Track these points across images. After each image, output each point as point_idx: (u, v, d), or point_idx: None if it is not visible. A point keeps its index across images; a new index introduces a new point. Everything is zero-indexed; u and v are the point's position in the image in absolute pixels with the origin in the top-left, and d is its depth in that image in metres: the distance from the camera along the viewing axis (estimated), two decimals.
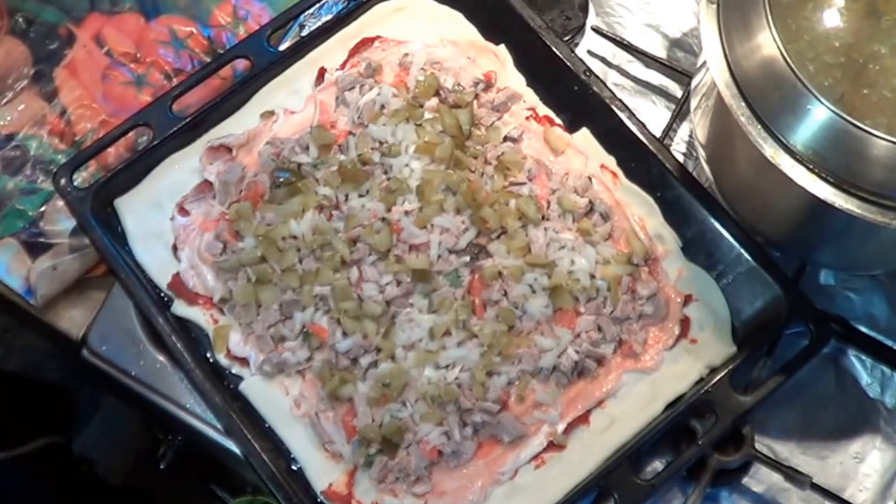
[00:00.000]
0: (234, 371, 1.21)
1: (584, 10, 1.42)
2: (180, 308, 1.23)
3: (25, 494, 1.43)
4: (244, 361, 1.21)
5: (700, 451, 1.13)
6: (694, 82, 1.25)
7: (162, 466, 1.39)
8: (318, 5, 1.35)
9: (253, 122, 1.30)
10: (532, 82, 1.32)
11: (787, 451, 1.22)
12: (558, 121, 1.31)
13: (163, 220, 1.26)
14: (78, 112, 1.37)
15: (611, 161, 1.28)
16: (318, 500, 1.15)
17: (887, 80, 1.00)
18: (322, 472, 1.16)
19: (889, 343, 1.24)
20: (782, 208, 1.16)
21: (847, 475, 1.21)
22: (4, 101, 1.37)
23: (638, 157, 1.26)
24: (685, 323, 1.21)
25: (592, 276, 1.22)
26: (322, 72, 1.32)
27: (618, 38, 1.40)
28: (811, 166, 1.00)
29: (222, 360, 1.21)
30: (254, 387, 1.19)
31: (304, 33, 1.37)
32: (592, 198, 1.25)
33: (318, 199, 1.25)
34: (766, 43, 1.01)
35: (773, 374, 1.15)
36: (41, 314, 1.29)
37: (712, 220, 1.21)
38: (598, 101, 1.27)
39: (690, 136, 1.35)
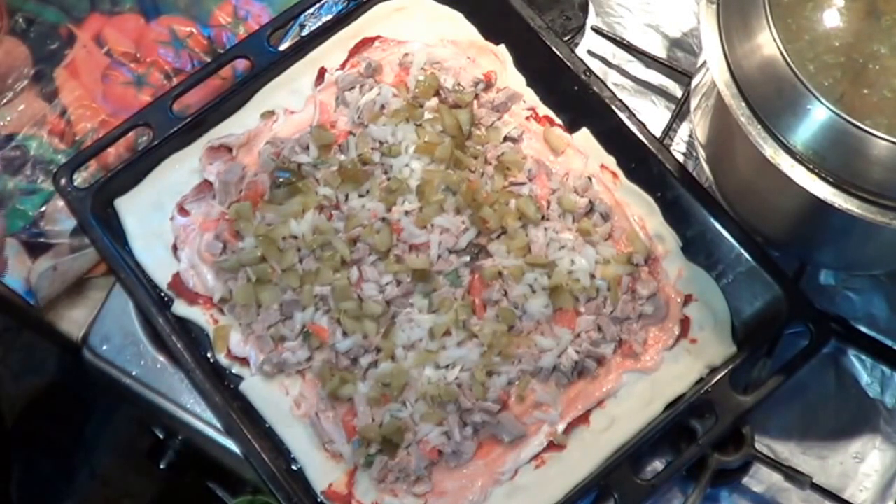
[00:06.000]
0: (234, 371, 1.21)
1: (584, 10, 1.42)
2: (180, 308, 1.23)
3: None
4: (244, 361, 1.21)
5: (700, 451, 1.13)
6: (694, 82, 1.25)
7: (162, 466, 1.39)
8: (318, 5, 1.35)
9: (253, 122, 1.30)
10: (532, 82, 1.32)
11: (787, 451, 1.22)
12: (558, 121, 1.31)
13: (163, 220, 1.26)
14: (78, 112, 1.36)
15: (611, 161, 1.28)
16: (319, 500, 1.15)
17: (887, 80, 1.00)
18: (322, 472, 1.16)
19: (889, 343, 1.24)
20: (782, 208, 1.16)
21: (847, 475, 1.21)
22: (4, 101, 1.37)
23: (638, 157, 1.26)
24: (685, 323, 1.21)
25: (592, 276, 1.22)
26: (322, 72, 1.32)
27: (618, 38, 1.40)
28: (811, 166, 1.00)
29: (222, 360, 1.21)
30: (254, 387, 1.19)
31: (304, 33, 1.37)
32: (592, 198, 1.25)
33: (318, 199, 1.25)
34: (766, 43, 1.01)
35: (773, 374, 1.15)
36: (41, 314, 1.29)
37: (712, 220, 1.21)
38: (598, 101, 1.27)
39: (690, 136, 1.35)
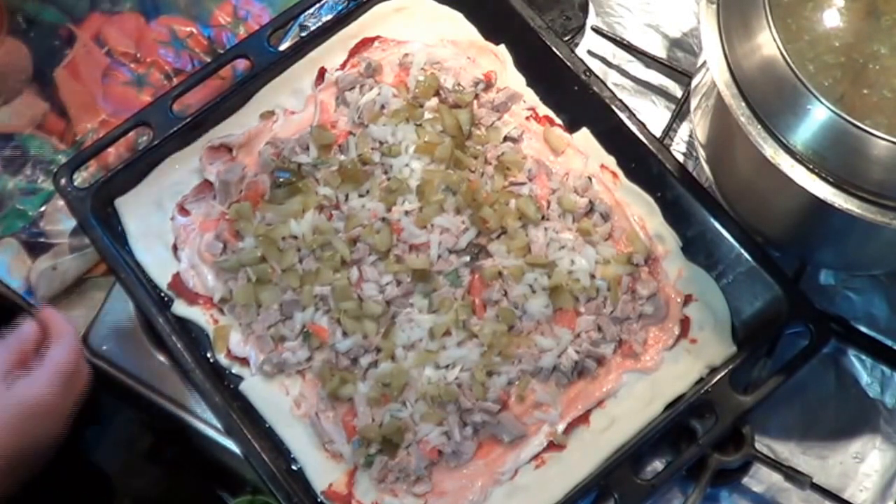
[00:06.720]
0: (234, 371, 1.21)
1: (584, 10, 1.42)
2: (180, 308, 1.23)
3: None
4: (244, 361, 1.21)
5: (700, 451, 1.13)
6: (694, 82, 1.25)
7: (162, 466, 1.39)
8: (318, 5, 1.35)
9: (253, 122, 1.30)
10: (532, 82, 1.32)
11: (787, 451, 1.22)
12: (558, 121, 1.31)
13: (163, 219, 1.26)
14: (78, 112, 1.37)
15: (611, 161, 1.28)
16: (319, 500, 1.15)
17: (887, 80, 1.00)
18: (322, 472, 1.16)
19: (889, 343, 1.24)
20: (782, 208, 1.16)
21: (847, 475, 1.21)
22: (4, 101, 1.37)
23: (638, 157, 1.26)
24: (685, 323, 1.21)
25: (592, 276, 1.22)
26: (322, 72, 1.32)
27: (618, 38, 1.40)
28: (811, 166, 1.00)
29: (222, 360, 1.21)
30: (254, 387, 1.19)
31: (305, 33, 1.37)
32: (592, 198, 1.25)
33: (318, 199, 1.25)
34: (766, 43, 1.01)
35: (773, 374, 1.15)
36: None
37: (712, 220, 1.21)
38: (598, 101, 1.27)
39: (690, 136, 1.35)
